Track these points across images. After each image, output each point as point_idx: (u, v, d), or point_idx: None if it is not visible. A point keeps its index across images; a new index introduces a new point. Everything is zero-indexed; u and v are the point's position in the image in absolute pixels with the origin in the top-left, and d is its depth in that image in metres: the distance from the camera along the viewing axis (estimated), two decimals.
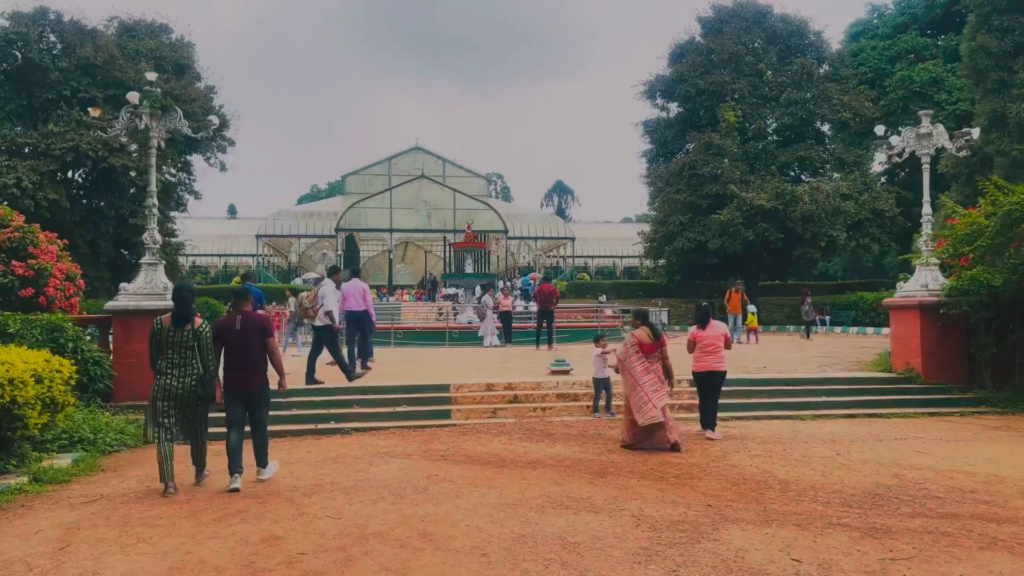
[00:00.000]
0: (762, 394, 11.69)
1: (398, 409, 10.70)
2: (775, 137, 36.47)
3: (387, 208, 50.04)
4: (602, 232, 57.82)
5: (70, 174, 32.05)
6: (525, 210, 59.00)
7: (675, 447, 8.62)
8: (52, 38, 30.54)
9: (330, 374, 12.41)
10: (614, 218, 71.16)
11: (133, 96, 10.87)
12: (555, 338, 18.97)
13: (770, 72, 35.65)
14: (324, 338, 11.99)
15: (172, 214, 35.73)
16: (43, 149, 29.04)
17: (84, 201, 32.09)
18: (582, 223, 58.27)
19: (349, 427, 10.06)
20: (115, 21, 34.01)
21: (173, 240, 34.99)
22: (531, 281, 40.65)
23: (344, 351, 12.37)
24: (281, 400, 10.47)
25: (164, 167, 33.66)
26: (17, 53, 29.48)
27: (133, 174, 30.43)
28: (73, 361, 9.86)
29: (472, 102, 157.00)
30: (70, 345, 9.91)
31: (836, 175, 35.17)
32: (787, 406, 11.24)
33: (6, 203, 30.64)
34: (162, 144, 11.47)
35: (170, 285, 11.04)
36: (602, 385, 10.78)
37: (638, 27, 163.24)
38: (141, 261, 11.17)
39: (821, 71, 35.92)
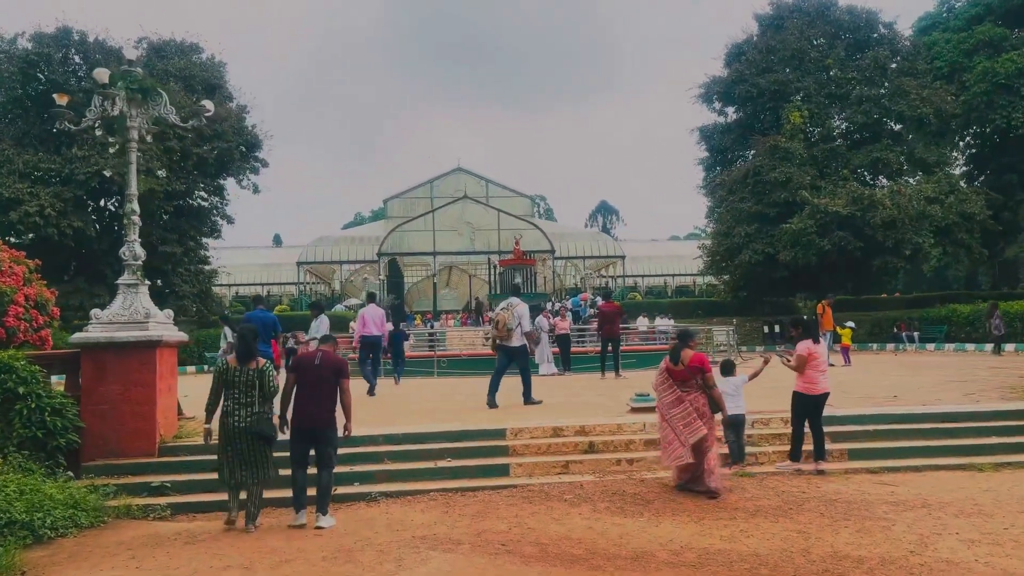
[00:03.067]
0: (911, 434, 8.97)
1: (441, 464, 8.26)
2: (846, 138, 33.52)
3: (430, 231, 48.29)
4: (652, 250, 55.15)
5: (98, 201, 30.62)
6: (571, 229, 56.67)
7: (711, 494, 7.24)
8: (77, 59, 29.21)
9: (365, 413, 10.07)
10: (660, 237, 68.35)
11: (101, 74, 8.76)
12: (621, 364, 16.38)
13: (838, 68, 32.77)
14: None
15: (205, 240, 34.11)
16: (67, 175, 27.57)
17: (111, 229, 30.56)
18: (631, 241, 55.63)
19: (376, 491, 7.67)
20: (144, 42, 32.68)
21: (206, 268, 33.36)
22: (581, 302, 38.13)
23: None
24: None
25: (195, 191, 32.17)
26: (41, 76, 28.19)
27: (162, 197, 28.83)
28: (26, 411, 7.71)
29: (513, 124, 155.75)
30: (20, 390, 7.72)
31: (911, 178, 32.02)
32: (951, 450, 8.52)
33: (31, 234, 29.55)
34: (146, 136, 9.33)
35: (156, 313, 8.84)
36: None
37: (681, 47, 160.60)
38: (119, 282, 9.00)
39: (893, 65, 32.93)
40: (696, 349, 8.13)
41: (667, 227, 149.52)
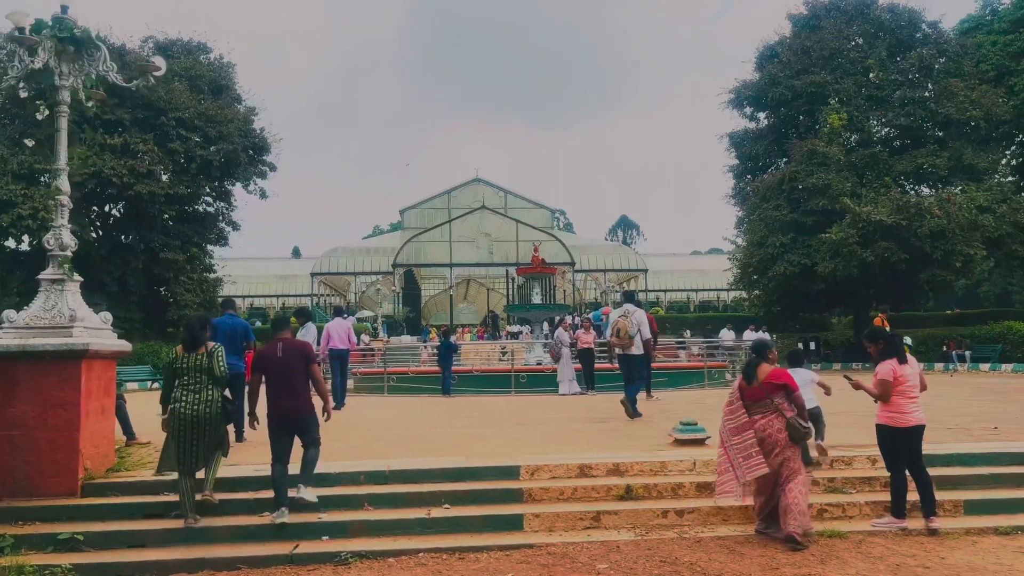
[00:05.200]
0: None
1: (435, 513, 6.43)
2: (887, 143, 31.46)
3: (446, 242, 46.87)
4: (675, 264, 53.24)
5: (96, 206, 29.21)
6: (591, 241, 54.86)
7: (791, 543, 5.83)
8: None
9: (346, 442, 8.29)
10: (681, 252, 66.28)
11: (19, 17, 7.07)
12: (651, 383, 14.45)
13: (879, 70, 30.77)
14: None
15: (211, 248, 32.61)
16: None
17: (111, 235, 29.12)
18: (653, 255, 53.67)
19: (349, 551, 5.86)
20: (150, 41, 31.38)
21: (211, 276, 31.82)
22: (603, 316, 36.23)
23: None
24: (251, 498, 6.43)
25: (200, 195, 30.72)
26: (95, 105, 26.89)
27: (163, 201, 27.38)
28: None
29: (533, 138, 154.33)
30: None
31: (956, 186, 29.86)
32: None
33: (25, 236, 28.19)
34: (84, 99, 7.62)
35: (85, 316, 7.13)
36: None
37: (701, 64, 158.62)
38: (40, 276, 7.29)
39: (938, 66, 30.87)
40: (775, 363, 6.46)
41: (688, 242, 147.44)
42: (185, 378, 6.50)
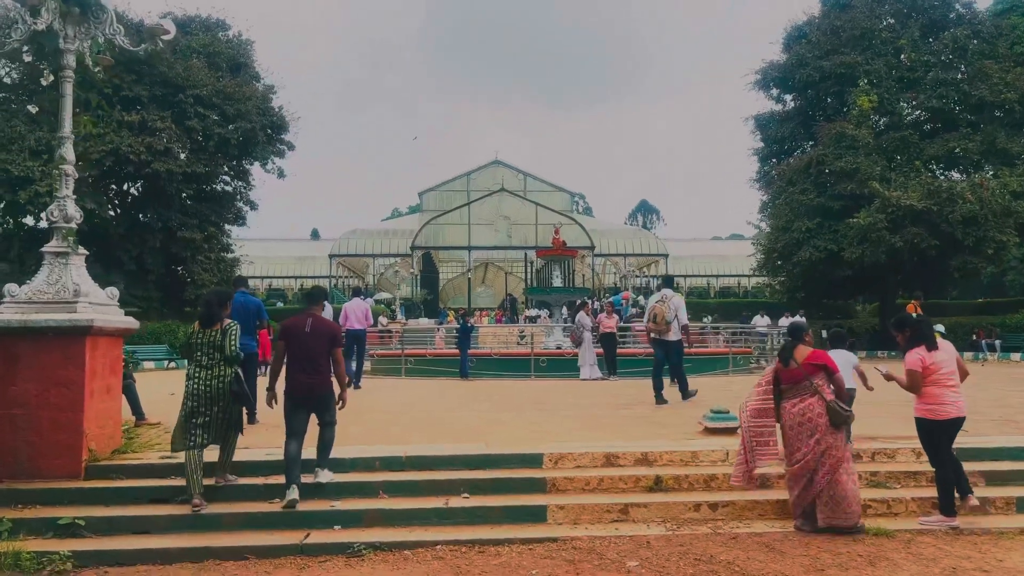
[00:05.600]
0: None
1: (453, 503, 6.09)
2: (918, 127, 30.63)
3: (465, 224, 46.57)
4: (695, 250, 52.57)
5: (115, 184, 29.08)
6: (612, 225, 54.29)
7: (856, 530, 5.68)
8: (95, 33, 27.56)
9: (361, 427, 7.99)
10: (702, 237, 65.43)
11: None
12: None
13: (911, 50, 29.88)
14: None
15: (228, 227, 32.42)
16: (80, 152, 25.91)
17: (129, 213, 28.98)
18: (674, 240, 52.98)
19: (362, 542, 5.52)
20: (168, 17, 30.72)
21: (228, 256, 31.65)
22: (623, 301, 35.77)
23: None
24: (260, 484, 6.12)
25: (218, 174, 30.48)
26: (103, 72, 26.65)
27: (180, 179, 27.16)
28: None
29: (553, 122, 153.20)
30: None
31: (990, 171, 29.01)
32: None
33: (43, 214, 28.04)
34: (91, 63, 7.27)
35: (90, 291, 6.83)
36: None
37: (723, 48, 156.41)
38: (44, 249, 6.97)
39: (971, 47, 29.90)
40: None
41: (708, 228, 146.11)
42: (199, 354, 6.34)
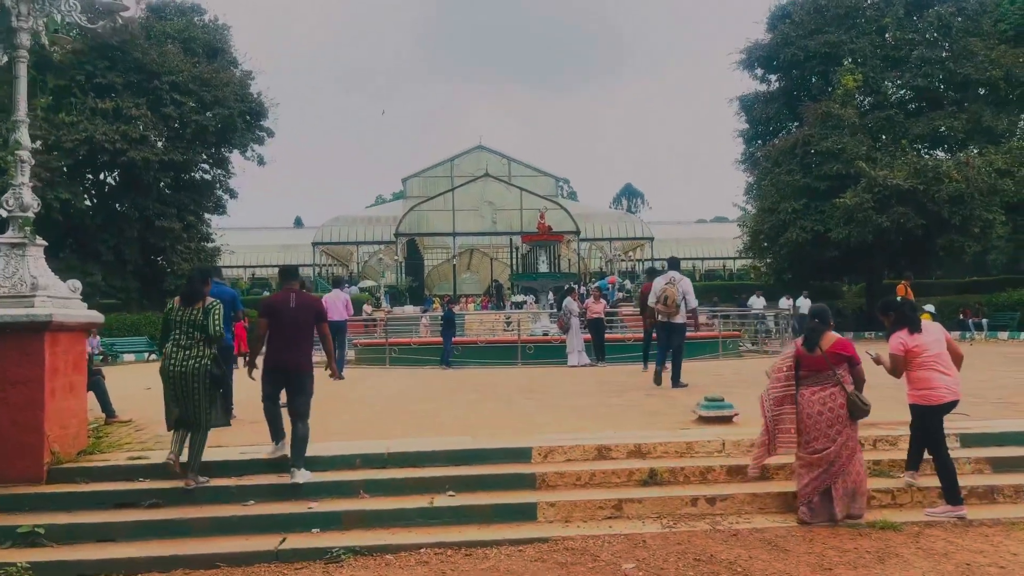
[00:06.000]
0: None
1: (438, 502, 5.78)
2: (903, 106, 30.48)
3: (449, 210, 46.11)
4: (681, 233, 52.35)
5: (91, 173, 28.42)
6: (597, 209, 54.00)
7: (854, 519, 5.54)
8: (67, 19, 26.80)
9: (341, 421, 7.67)
10: (686, 220, 65.27)
11: None
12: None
13: (896, 28, 29.65)
14: None
15: (208, 216, 31.83)
16: (53, 142, 25.34)
17: (106, 203, 28.35)
18: (659, 223, 52.75)
19: (341, 546, 5.20)
20: (141, 1, 30.23)
21: (208, 245, 31.09)
22: (609, 285, 35.52)
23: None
24: (232, 486, 5.79)
25: (196, 162, 29.86)
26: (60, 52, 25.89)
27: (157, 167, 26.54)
28: None
29: (536, 105, 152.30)
30: None
31: (975, 149, 28.90)
32: None
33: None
34: (44, 41, 6.84)
35: (50, 283, 6.45)
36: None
37: (706, 30, 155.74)
38: (0, 240, 6.54)
39: (956, 25, 29.70)
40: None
41: (693, 211, 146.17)
42: (177, 332, 6.10)
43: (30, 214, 6.52)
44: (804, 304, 25.78)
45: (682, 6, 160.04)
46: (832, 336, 5.76)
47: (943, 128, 28.87)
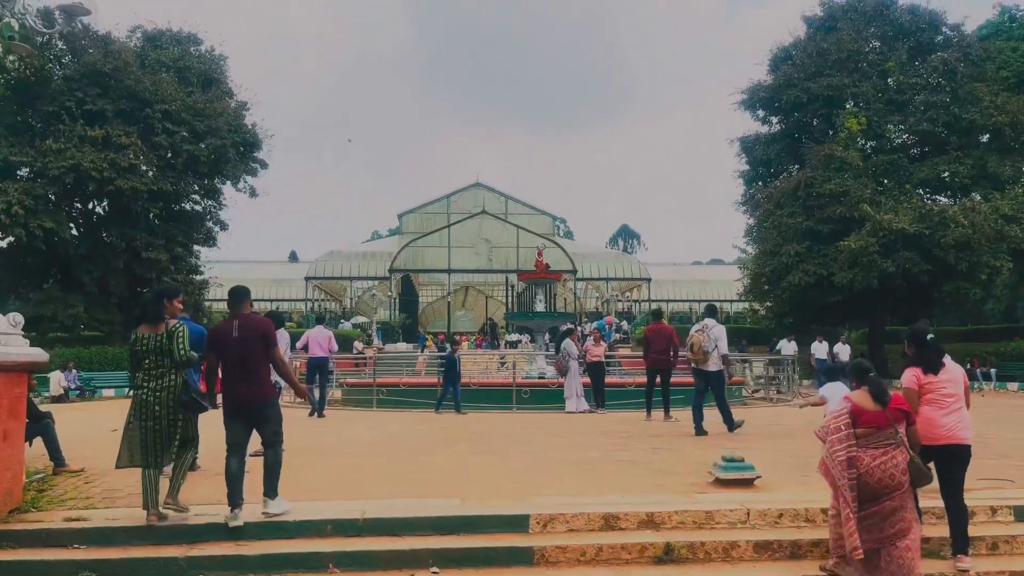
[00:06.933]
0: None
1: None
2: (907, 150, 30.12)
3: (445, 247, 45.64)
4: (678, 274, 51.92)
5: (80, 202, 27.73)
6: (594, 249, 53.57)
7: None
8: (60, 45, 26.39)
9: (316, 472, 6.83)
10: (682, 262, 64.98)
11: None
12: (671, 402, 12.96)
13: (900, 73, 29.39)
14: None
15: (198, 248, 31.11)
16: (39, 169, 24.69)
17: (93, 232, 27.58)
18: (658, 264, 52.32)
19: None
20: (138, 31, 30.00)
21: (197, 278, 30.31)
22: (607, 325, 34.82)
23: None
24: (181, 557, 4.95)
25: (188, 193, 29.22)
26: (19, 62, 25.39)
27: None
28: None
29: (534, 148, 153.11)
30: None
31: (980, 195, 28.44)
32: None
33: (1, 232, 26.58)
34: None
35: None
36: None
37: (703, 76, 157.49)
38: None
39: (960, 69, 29.47)
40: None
41: (689, 253, 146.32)
42: (147, 362, 5.77)
43: None
44: (843, 350, 25.02)
45: (681, 49, 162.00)
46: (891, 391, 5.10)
47: (947, 173, 28.44)
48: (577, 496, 6.27)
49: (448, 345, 17.26)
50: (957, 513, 5.28)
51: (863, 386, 5.12)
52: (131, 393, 5.82)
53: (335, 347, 14.16)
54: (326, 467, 7.79)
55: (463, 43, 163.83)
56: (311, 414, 13.17)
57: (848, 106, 29.55)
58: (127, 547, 5.30)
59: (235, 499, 5.53)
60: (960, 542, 5.24)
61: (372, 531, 5.50)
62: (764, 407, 16.94)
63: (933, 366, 5.45)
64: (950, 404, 5.34)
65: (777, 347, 25.44)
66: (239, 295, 6.04)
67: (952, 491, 5.29)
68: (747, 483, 6.54)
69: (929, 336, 5.58)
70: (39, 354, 6.15)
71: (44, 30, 6.30)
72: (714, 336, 10.49)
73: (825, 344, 25.70)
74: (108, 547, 5.27)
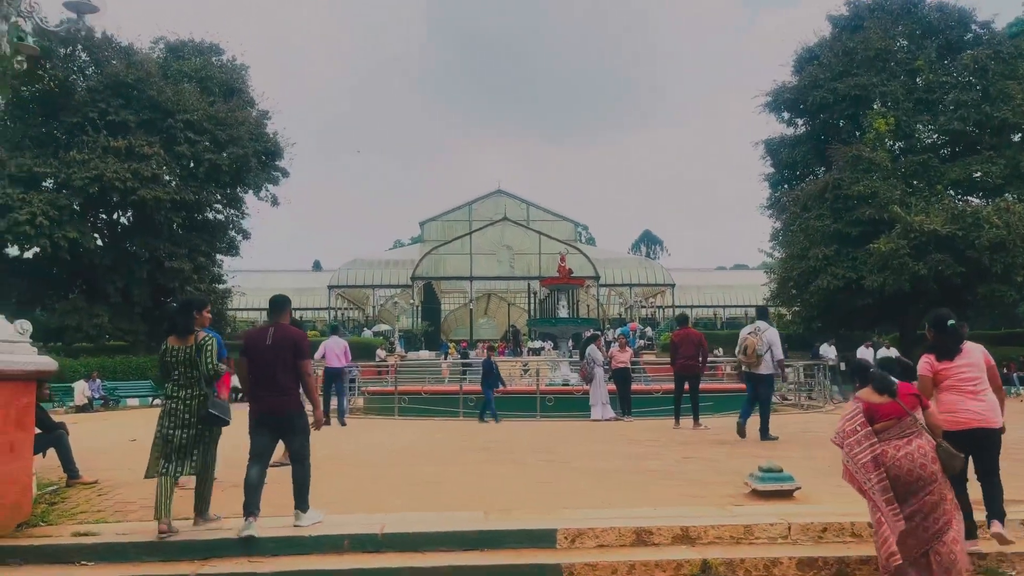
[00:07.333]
0: None
1: None
2: (937, 150, 29.47)
3: (467, 254, 45.56)
4: (702, 280, 51.32)
5: (105, 213, 27.89)
6: (617, 255, 53.11)
7: None
8: (84, 56, 26.63)
9: (328, 484, 6.58)
10: (706, 268, 64.34)
11: None
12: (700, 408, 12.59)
13: (929, 71, 28.79)
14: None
15: (220, 258, 31.21)
16: (63, 180, 24.85)
17: (117, 243, 27.72)
18: (682, 270, 51.80)
19: None
20: (161, 42, 30.21)
21: (220, 287, 30.40)
22: (631, 331, 34.43)
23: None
24: (192, 575, 4.72)
25: (210, 203, 29.33)
26: (44, 73, 25.57)
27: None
28: None
29: (554, 153, 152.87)
30: None
31: (1013, 194, 27.71)
32: None
33: (28, 245, 26.70)
34: (6, 48, 5.96)
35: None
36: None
37: (725, 82, 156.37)
38: None
39: (992, 67, 28.78)
40: None
41: (712, 258, 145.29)
42: (176, 373, 5.80)
43: None
44: (828, 352, 24.49)
45: (702, 53, 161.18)
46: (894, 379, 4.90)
47: (979, 173, 27.75)
48: (606, 509, 5.96)
49: (471, 352, 16.99)
50: (991, 489, 5.13)
51: (867, 384, 4.84)
52: (158, 403, 5.84)
53: (350, 357, 14.23)
54: (344, 477, 7.55)
55: (482, 50, 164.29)
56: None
57: (876, 106, 29.00)
58: (137, 563, 5.09)
59: (251, 507, 5.40)
60: (995, 511, 5.06)
61: (391, 547, 5.23)
62: (796, 413, 16.48)
63: (948, 352, 5.27)
64: (972, 388, 5.18)
65: (820, 352, 24.74)
66: (279, 304, 6.03)
67: (985, 473, 5.15)
68: (786, 495, 6.19)
69: (950, 322, 5.30)
70: (47, 363, 5.95)
71: (50, 29, 6.08)
72: (767, 339, 10.27)
73: (871, 350, 24.89)
74: (117, 563, 5.06)
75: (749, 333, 10.44)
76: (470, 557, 5.09)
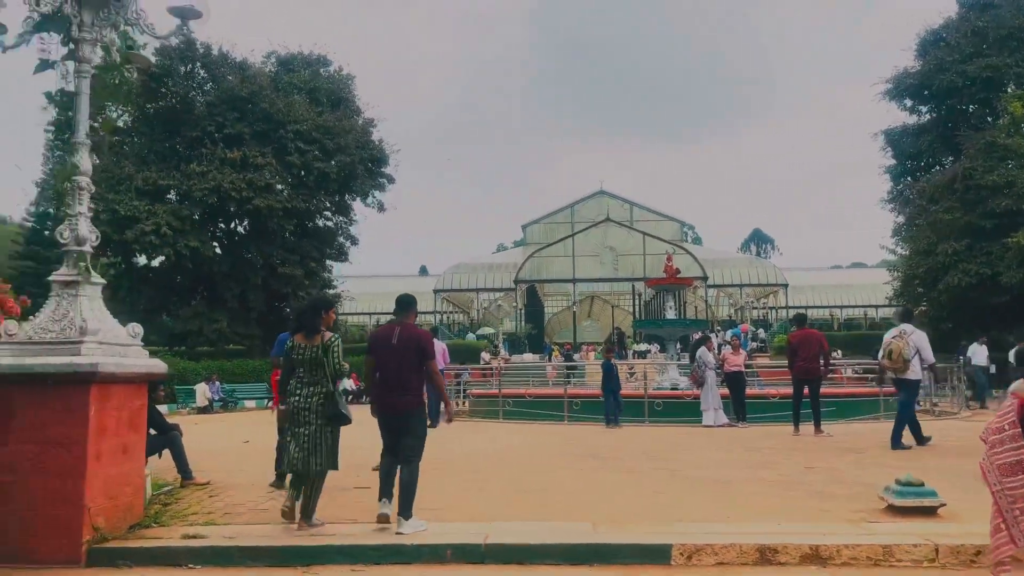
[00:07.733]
0: None
1: None
2: None
3: (569, 256, 45.15)
4: (816, 279, 48.99)
5: (224, 222, 29.18)
6: (725, 255, 51.42)
7: None
8: (202, 73, 27.97)
9: (433, 490, 6.42)
10: (821, 267, 61.35)
11: None
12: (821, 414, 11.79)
13: None
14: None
15: (330, 263, 32.15)
16: (185, 191, 26.13)
17: (234, 250, 28.95)
18: (794, 269, 49.62)
19: None
20: (272, 57, 31.40)
21: (329, 292, 31.23)
22: (742, 333, 33.15)
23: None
24: None
25: (321, 210, 30.26)
26: (165, 90, 27.02)
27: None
28: None
29: (658, 153, 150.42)
30: None
31: None
32: None
33: (155, 254, 28.21)
34: (115, 55, 6.03)
35: (102, 327, 5.54)
36: None
37: (839, 75, 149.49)
38: (51, 278, 5.69)
39: None
40: None
41: (827, 257, 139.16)
42: (300, 370, 5.87)
43: (87, 248, 5.66)
44: (979, 351, 22.29)
45: (814, 41, 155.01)
46: None
47: None
48: (725, 523, 5.52)
49: (575, 355, 16.64)
50: None
51: None
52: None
53: (448, 360, 14.50)
54: (447, 482, 7.38)
55: (586, 52, 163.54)
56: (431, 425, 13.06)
57: (1010, 89, 26.87)
58: (241, 568, 5.04)
59: (384, 491, 5.69)
60: None
61: (495, 558, 4.98)
62: (928, 420, 15.28)
63: None
64: None
65: (969, 352, 22.63)
66: (406, 304, 6.07)
67: None
68: (929, 511, 5.57)
69: None
70: (157, 365, 6.03)
71: (157, 36, 6.14)
72: (914, 343, 9.78)
73: (984, 347, 22.67)
74: (223, 567, 5.02)
75: (894, 337, 9.89)
76: (578, 571, 4.77)
